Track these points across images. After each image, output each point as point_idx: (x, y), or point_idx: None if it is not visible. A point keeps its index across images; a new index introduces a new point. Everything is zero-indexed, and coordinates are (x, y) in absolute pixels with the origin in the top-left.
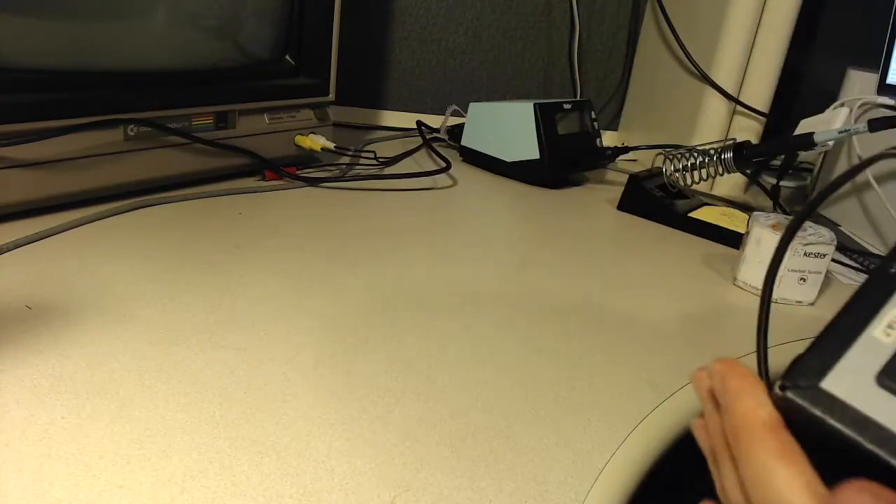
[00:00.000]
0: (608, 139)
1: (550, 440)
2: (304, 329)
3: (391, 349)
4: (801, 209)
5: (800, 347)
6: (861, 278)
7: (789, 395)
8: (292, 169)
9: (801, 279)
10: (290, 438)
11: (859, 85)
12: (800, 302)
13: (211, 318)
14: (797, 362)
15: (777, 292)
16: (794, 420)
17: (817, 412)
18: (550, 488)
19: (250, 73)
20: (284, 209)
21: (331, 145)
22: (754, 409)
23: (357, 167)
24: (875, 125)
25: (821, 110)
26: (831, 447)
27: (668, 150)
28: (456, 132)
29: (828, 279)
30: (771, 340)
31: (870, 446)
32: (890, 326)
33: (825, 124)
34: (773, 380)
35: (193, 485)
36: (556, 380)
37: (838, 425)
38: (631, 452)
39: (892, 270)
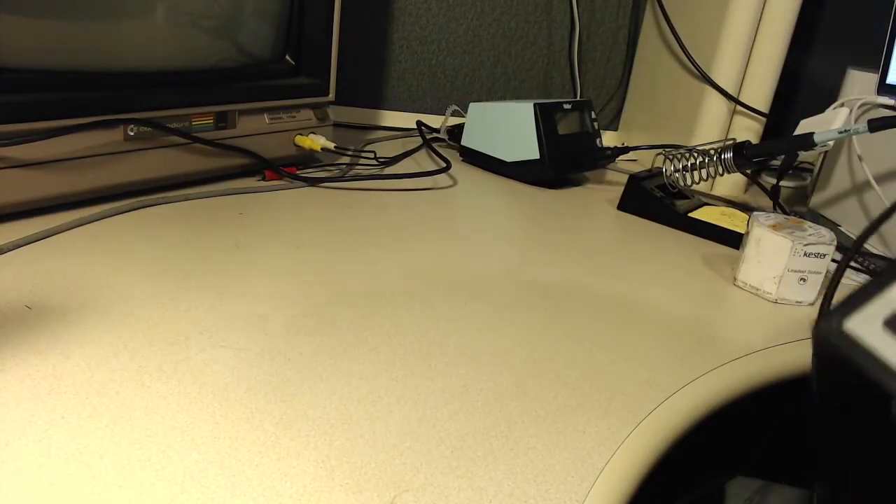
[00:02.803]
0: (608, 139)
1: (550, 440)
2: (304, 329)
3: (391, 348)
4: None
5: (801, 346)
6: (861, 278)
7: (819, 328)
8: (292, 169)
9: (801, 279)
10: (290, 438)
11: (859, 85)
12: (800, 302)
13: (211, 318)
14: (833, 309)
15: (777, 292)
16: (825, 358)
17: (838, 345)
18: (550, 488)
19: (250, 73)
20: (284, 209)
21: (331, 145)
22: None
23: (357, 167)
24: (875, 125)
25: (821, 110)
26: (850, 388)
27: (668, 150)
28: (456, 132)
29: (828, 279)
30: (771, 340)
31: (874, 377)
32: None
33: (825, 124)
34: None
35: (193, 485)
36: (556, 380)
37: (851, 357)
38: (631, 452)
39: None
